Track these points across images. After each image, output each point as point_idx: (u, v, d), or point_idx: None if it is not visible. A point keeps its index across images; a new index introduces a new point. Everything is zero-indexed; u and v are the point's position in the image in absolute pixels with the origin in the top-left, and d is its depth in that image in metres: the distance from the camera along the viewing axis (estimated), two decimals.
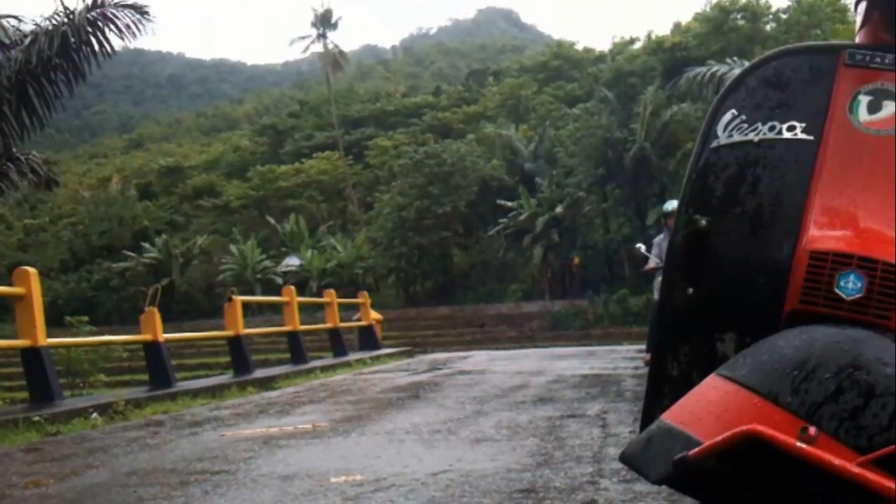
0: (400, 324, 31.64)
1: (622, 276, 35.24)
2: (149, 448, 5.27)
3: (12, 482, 4.26)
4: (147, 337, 9.63)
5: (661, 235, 9.38)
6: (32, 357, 7.75)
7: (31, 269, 8.01)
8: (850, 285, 1.62)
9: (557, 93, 49.34)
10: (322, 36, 51.50)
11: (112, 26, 10.27)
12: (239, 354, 11.46)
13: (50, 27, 10.03)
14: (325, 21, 51.37)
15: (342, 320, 15.73)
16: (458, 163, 37.65)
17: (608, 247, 37.15)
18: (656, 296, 8.53)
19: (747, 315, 1.78)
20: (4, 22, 10.42)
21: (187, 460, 4.63)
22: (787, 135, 1.84)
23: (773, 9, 40.94)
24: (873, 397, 1.36)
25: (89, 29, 10.11)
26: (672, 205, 8.50)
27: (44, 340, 7.77)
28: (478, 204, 39.30)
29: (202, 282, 44.26)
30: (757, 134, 1.87)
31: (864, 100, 1.82)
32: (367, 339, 16.42)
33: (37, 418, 6.61)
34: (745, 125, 1.89)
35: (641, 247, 9.29)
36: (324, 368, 12.15)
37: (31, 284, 7.74)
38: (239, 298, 11.77)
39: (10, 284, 8.04)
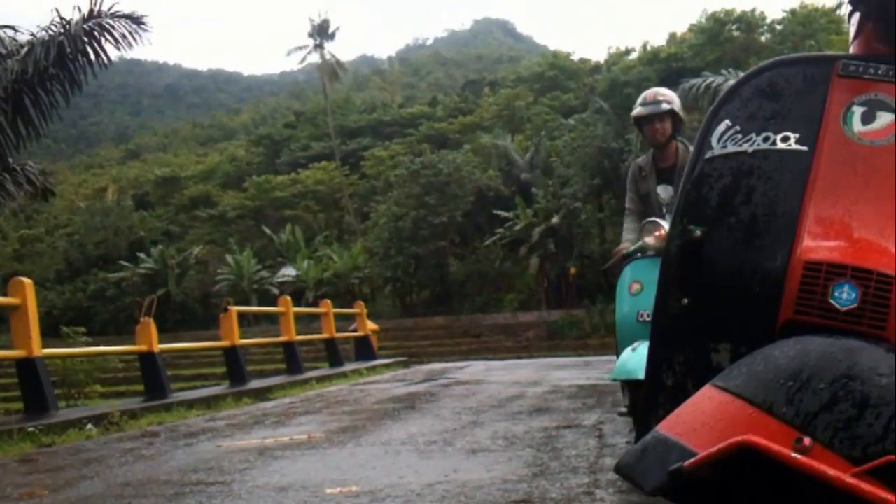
0: (396, 334, 31.58)
1: None
2: (144, 459, 5.25)
3: (6, 493, 4.24)
4: (142, 347, 9.61)
5: None
6: (27, 367, 7.73)
7: (27, 280, 7.99)
8: (845, 296, 1.62)
9: (553, 103, 49.42)
10: (319, 46, 51.64)
11: (108, 36, 10.27)
12: (235, 365, 11.44)
13: (46, 37, 10.03)
14: (322, 31, 51.49)
15: (338, 330, 15.70)
16: (454, 173, 37.64)
17: (605, 256, 37.13)
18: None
19: (742, 325, 1.78)
20: (1, 32, 10.42)
21: (182, 471, 4.61)
22: (781, 145, 1.85)
23: (769, 20, 41.14)
24: (868, 408, 1.36)
25: (86, 39, 10.11)
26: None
27: (39, 351, 7.75)
28: (474, 214, 39.29)
29: (198, 292, 44.13)
30: (751, 144, 1.88)
31: (858, 110, 1.82)
32: (363, 349, 16.40)
33: (31, 429, 6.59)
34: (740, 135, 1.90)
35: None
36: (320, 379, 12.12)
37: (27, 294, 7.73)
38: (235, 309, 11.75)
39: (5, 295, 8.03)
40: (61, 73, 10.09)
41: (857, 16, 1.99)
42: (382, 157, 49.51)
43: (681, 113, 4.87)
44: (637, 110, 4.92)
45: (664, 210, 4.87)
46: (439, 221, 36.84)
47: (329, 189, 49.81)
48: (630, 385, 4.07)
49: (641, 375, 3.82)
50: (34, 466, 5.24)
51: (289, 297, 14.37)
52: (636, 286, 4.44)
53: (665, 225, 4.27)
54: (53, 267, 50.63)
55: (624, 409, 4.41)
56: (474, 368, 13.82)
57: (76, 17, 10.15)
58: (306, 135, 60.14)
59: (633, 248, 4.63)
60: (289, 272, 40.74)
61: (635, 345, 4.01)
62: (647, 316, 4.17)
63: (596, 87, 44.12)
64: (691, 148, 4.85)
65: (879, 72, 1.83)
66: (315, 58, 52.49)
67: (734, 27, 40.28)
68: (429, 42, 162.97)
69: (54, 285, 47.85)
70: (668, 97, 4.84)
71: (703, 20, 42.06)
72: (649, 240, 4.28)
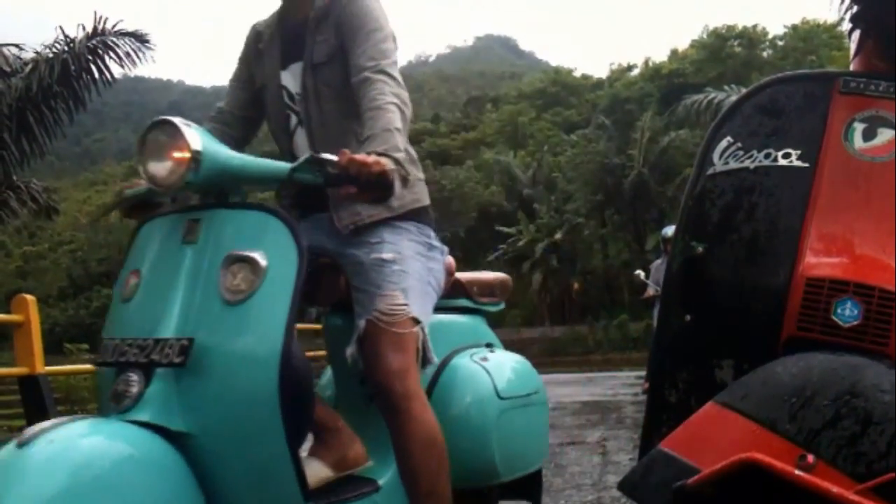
0: None
1: (622, 301, 35.20)
2: None
3: None
4: None
5: (660, 260, 9.37)
6: (30, 385, 7.69)
7: (30, 297, 7.94)
8: (847, 312, 1.62)
9: (555, 119, 49.58)
10: None
11: (112, 54, 10.34)
12: None
13: (50, 55, 10.09)
14: None
15: None
16: (457, 189, 37.76)
17: (607, 272, 37.15)
18: (656, 323, 8.47)
19: (745, 342, 1.78)
20: (5, 50, 10.48)
21: None
22: (782, 162, 1.85)
23: (770, 35, 41.33)
24: (871, 424, 1.36)
25: (89, 57, 10.17)
26: (671, 230, 8.48)
27: (41, 368, 7.71)
28: (477, 230, 39.36)
29: None
30: (753, 161, 1.88)
31: (859, 127, 1.83)
32: None
33: None
34: (741, 152, 1.90)
35: (641, 273, 9.27)
36: None
37: (30, 311, 7.69)
38: None
39: (8, 312, 8.02)
40: (65, 90, 10.15)
41: (857, 33, 1.99)
42: None
43: None
44: None
45: (293, 119, 2.23)
46: (442, 237, 36.63)
47: None
48: None
49: None
50: None
51: None
52: (133, 280, 1.80)
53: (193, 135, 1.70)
54: (56, 284, 50.70)
55: None
56: None
57: (80, 35, 10.22)
58: None
59: (140, 189, 1.99)
60: None
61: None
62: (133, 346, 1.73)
63: (598, 103, 44.28)
64: None
65: (880, 88, 1.83)
66: None
67: (736, 43, 40.46)
68: (431, 59, 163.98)
69: (57, 302, 47.91)
70: None
71: (705, 36, 42.26)
72: (153, 167, 1.74)
